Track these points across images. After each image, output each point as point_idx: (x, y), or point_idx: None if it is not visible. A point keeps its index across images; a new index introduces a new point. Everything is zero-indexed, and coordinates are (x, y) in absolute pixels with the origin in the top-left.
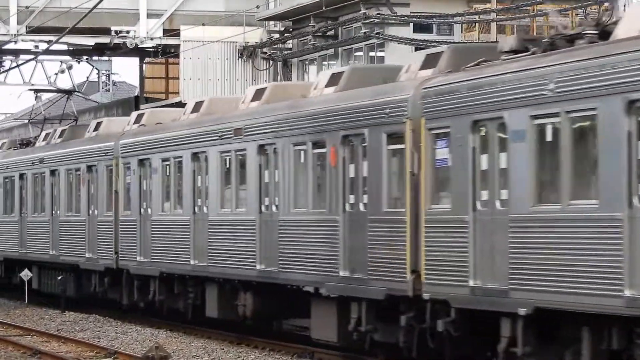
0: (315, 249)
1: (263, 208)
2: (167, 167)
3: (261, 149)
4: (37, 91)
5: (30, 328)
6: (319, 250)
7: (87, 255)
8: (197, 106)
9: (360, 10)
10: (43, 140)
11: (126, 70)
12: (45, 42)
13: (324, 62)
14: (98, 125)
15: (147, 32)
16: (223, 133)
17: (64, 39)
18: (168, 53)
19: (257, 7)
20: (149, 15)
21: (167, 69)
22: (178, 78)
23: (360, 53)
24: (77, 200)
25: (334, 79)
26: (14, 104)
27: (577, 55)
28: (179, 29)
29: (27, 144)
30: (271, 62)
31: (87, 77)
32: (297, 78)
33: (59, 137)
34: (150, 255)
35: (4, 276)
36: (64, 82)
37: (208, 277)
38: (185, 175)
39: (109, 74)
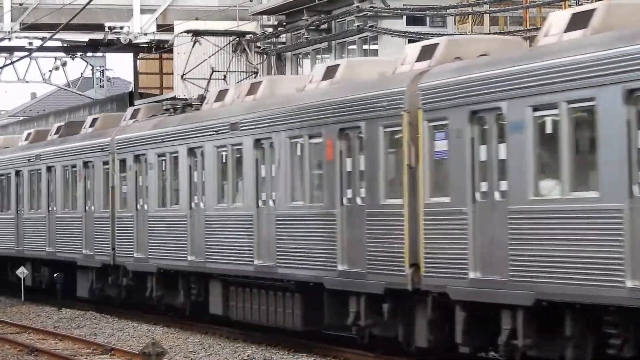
0: None
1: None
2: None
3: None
4: (196, 34)
5: (27, 325)
6: None
7: (339, 267)
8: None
9: (353, 3)
10: (216, 102)
11: (120, 66)
12: (39, 38)
13: (317, 56)
14: (330, 70)
15: (140, 27)
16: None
17: (57, 36)
18: (162, 48)
19: (250, 0)
20: (143, 11)
21: (161, 64)
22: (172, 73)
23: (354, 46)
24: (317, 185)
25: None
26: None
27: None
28: (173, 24)
29: (182, 108)
30: (265, 56)
31: (82, 73)
32: (291, 73)
33: (247, 95)
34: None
35: (162, 293)
36: (59, 79)
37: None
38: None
39: (103, 70)
